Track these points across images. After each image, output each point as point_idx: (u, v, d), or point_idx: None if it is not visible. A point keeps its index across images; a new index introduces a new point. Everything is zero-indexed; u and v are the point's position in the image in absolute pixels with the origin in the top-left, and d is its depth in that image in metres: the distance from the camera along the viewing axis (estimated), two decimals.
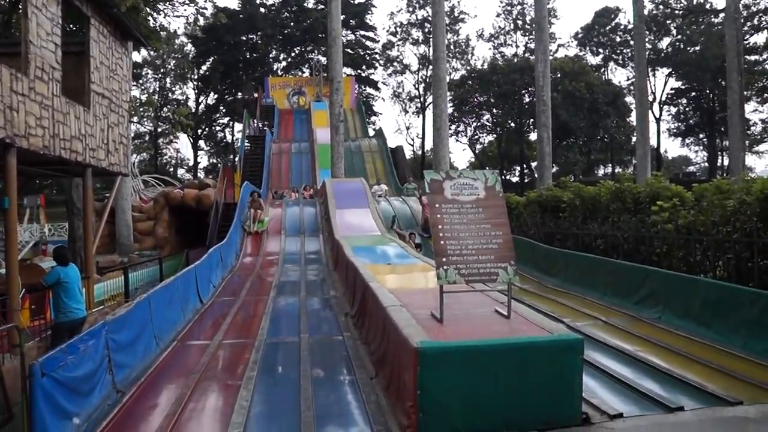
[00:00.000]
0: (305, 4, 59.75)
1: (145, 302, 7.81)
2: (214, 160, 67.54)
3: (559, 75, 48.07)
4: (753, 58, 42.69)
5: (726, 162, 50.27)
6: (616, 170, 57.31)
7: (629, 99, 51.26)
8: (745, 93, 30.44)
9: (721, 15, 30.21)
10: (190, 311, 9.92)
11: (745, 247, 8.74)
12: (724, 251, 9.35)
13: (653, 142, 47.53)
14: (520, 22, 60.28)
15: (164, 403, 5.91)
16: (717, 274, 9.43)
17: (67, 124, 10.83)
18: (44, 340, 9.22)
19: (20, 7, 11.07)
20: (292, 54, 62.95)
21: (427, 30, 56.81)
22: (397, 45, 63.09)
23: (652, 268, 9.75)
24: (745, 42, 36.82)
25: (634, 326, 8.58)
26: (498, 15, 76.46)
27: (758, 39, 42.37)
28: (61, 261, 8.79)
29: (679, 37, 53.54)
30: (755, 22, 37.81)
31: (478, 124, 58.41)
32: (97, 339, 5.96)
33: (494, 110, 55.81)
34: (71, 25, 17.46)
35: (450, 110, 51.08)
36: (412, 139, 67.71)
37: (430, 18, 36.54)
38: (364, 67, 62.50)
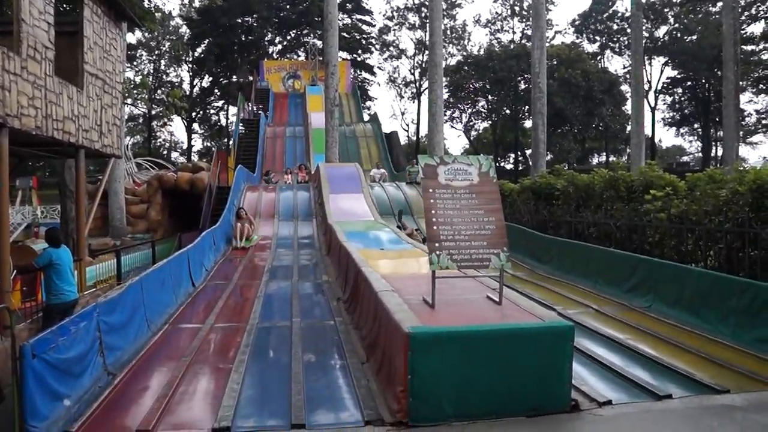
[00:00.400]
0: None
1: (137, 285, 7.79)
2: (208, 144, 67.29)
3: (555, 62, 48.00)
4: (749, 48, 42.71)
5: (720, 152, 50.38)
6: (611, 159, 57.37)
7: (625, 87, 51.32)
8: (741, 83, 30.47)
9: (719, 4, 30.17)
10: (182, 294, 9.91)
11: (737, 237, 8.78)
12: (716, 241, 9.40)
13: (648, 131, 47.56)
14: (517, 8, 60.12)
15: (155, 385, 5.92)
16: (708, 264, 9.48)
17: (60, 104, 10.75)
18: (35, 322, 9.20)
19: None
20: (288, 37, 62.57)
21: (423, 15, 56.57)
22: (394, 30, 62.91)
23: (643, 257, 9.79)
24: (742, 32, 36.78)
25: (624, 314, 8.62)
26: (495, 1, 76.53)
27: (755, 29, 42.46)
28: (53, 243, 8.75)
29: (677, 25, 53.44)
30: (753, 11, 37.78)
31: (474, 110, 58.36)
32: (88, 321, 5.95)
33: (490, 97, 55.71)
34: (65, 5, 17.32)
35: (445, 96, 50.93)
36: (407, 125, 67.86)
37: (426, 3, 36.34)
38: (359, 51, 62.24)
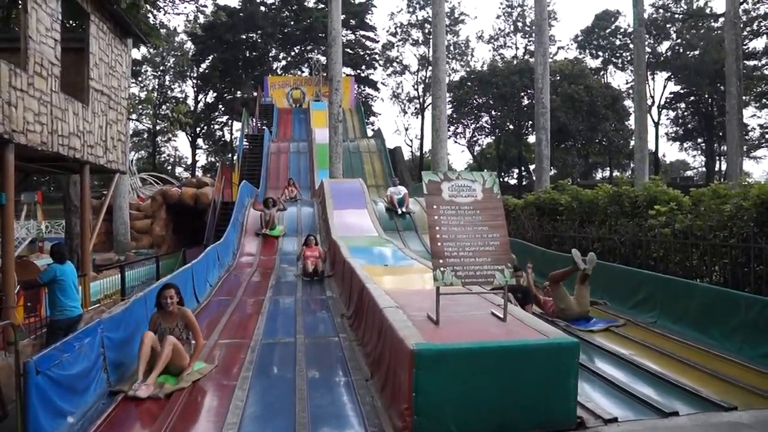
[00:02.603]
0: (305, 3, 59.67)
1: (141, 301, 7.79)
2: (213, 159, 67.53)
3: (558, 77, 48.11)
4: (752, 63, 42.81)
5: (723, 167, 50.34)
6: (614, 174, 57.40)
7: (628, 102, 51.31)
8: (744, 98, 30.49)
9: (721, 19, 30.25)
10: None
11: (742, 252, 8.76)
12: (721, 256, 9.37)
13: (651, 146, 47.60)
14: (520, 24, 60.45)
15: (159, 402, 5.89)
16: (713, 279, 9.45)
17: (66, 120, 10.82)
18: (39, 338, 9.20)
19: (20, 2, 11.06)
20: (292, 53, 62.92)
21: (427, 31, 56.87)
22: (397, 45, 63.21)
23: (648, 272, 9.76)
24: (744, 47, 36.89)
25: (630, 330, 8.58)
26: (498, 17, 77.02)
27: (757, 44, 42.53)
28: (57, 258, 8.77)
29: (679, 41, 53.66)
30: (755, 27, 37.93)
31: (477, 125, 58.41)
32: (92, 337, 5.95)
33: (493, 112, 55.79)
34: (71, 22, 17.44)
35: (449, 111, 51.08)
36: (411, 140, 67.81)
37: (430, 19, 36.53)
38: (363, 67, 62.49)
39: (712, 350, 7.31)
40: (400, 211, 18.64)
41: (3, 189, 9.14)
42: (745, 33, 36.29)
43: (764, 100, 43.17)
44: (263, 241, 17.09)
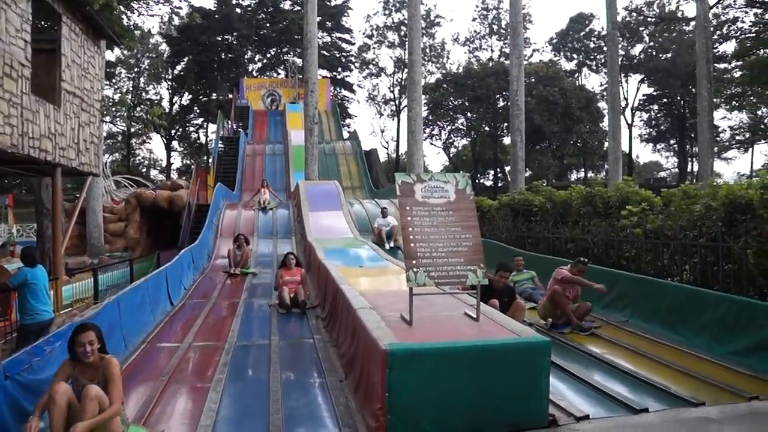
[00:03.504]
0: (281, 6, 59.45)
1: (114, 304, 7.73)
2: (188, 161, 67.01)
3: (533, 80, 48.52)
4: (722, 66, 43.52)
5: (696, 168, 51.12)
6: (589, 175, 58.03)
7: (602, 104, 51.92)
8: (715, 100, 30.98)
9: (692, 23, 30.71)
10: (160, 313, 9.83)
11: (711, 251, 8.91)
12: (691, 255, 9.53)
13: (625, 147, 48.28)
14: (495, 27, 60.81)
15: (132, 405, 5.84)
16: (684, 278, 9.60)
17: (37, 122, 10.69)
18: (9, 343, 9.08)
19: None
20: (268, 55, 62.67)
21: (402, 33, 57.00)
22: (373, 48, 63.30)
23: (620, 272, 9.89)
24: (715, 50, 37.47)
25: (602, 329, 8.68)
26: (474, 19, 77.18)
27: (727, 48, 43.21)
28: (28, 262, 8.66)
29: (652, 44, 54.48)
30: (724, 30, 38.51)
31: (453, 127, 58.72)
32: (63, 341, 5.88)
33: (469, 114, 56.11)
34: (42, 22, 17.24)
35: (425, 114, 51.32)
36: (387, 142, 68.06)
37: (406, 21, 36.63)
38: (339, 69, 62.45)
39: (682, 348, 7.44)
40: (387, 246, 16.18)
41: None
42: (716, 37, 36.83)
43: (734, 103, 43.88)
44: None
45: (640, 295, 8.98)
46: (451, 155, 64.02)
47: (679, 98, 53.82)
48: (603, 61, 53.96)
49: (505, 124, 49.86)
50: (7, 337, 9.32)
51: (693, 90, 36.69)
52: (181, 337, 8.61)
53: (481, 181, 62.27)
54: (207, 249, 16.05)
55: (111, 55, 46.57)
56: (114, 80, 56.98)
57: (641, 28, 53.86)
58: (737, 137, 51.11)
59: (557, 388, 5.87)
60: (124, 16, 21.13)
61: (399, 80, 61.64)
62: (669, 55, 51.94)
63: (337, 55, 62.07)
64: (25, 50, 10.23)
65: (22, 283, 8.40)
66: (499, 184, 56.89)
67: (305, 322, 9.49)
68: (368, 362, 5.42)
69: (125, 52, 50.46)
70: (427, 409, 4.87)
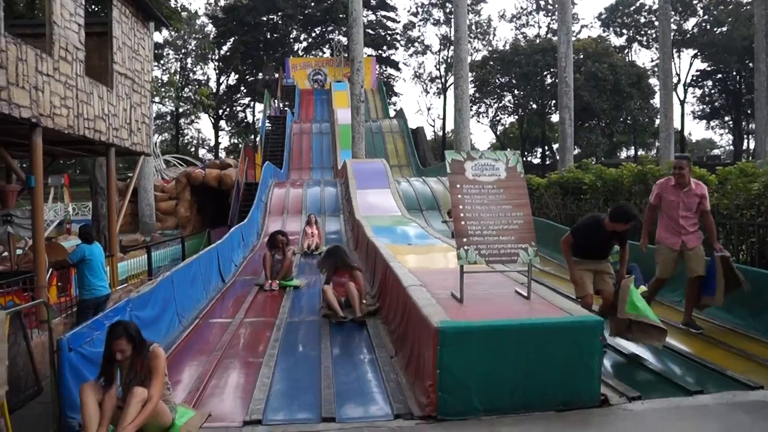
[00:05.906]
0: None
1: (168, 280, 7.92)
2: (236, 141, 67.86)
3: (581, 56, 47.50)
4: None
5: (752, 145, 49.51)
6: (639, 153, 56.72)
7: (653, 81, 50.57)
8: None
9: None
10: (212, 290, 10.04)
11: None
12: (748, 235, 9.26)
13: (677, 124, 46.94)
14: (542, 2, 59.77)
15: (187, 379, 6.00)
16: (740, 258, 9.35)
17: (91, 104, 10.94)
18: (70, 317, 9.41)
19: None
20: (313, 34, 62.81)
21: (448, 10, 56.39)
22: (419, 25, 62.97)
23: None
24: None
25: (655, 309, 8.53)
26: None
27: None
28: (85, 239, 8.93)
29: (706, 17, 52.69)
30: None
31: (500, 105, 58.09)
32: (121, 316, 6.07)
33: (516, 91, 55.39)
34: (94, 6, 17.58)
35: (471, 91, 50.73)
36: (433, 120, 67.73)
37: None
38: (384, 47, 62.25)
39: (738, 329, 7.25)
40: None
41: (32, 172, 9.31)
42: None
43: None
44: (286, 221, 17.15)
45: None
46: (498, 133, 63.41)
47: (734, 73, 52.13)
48: (654, 36, 52.48)
49: (553, 102, 49.10)
50: (68, 311, 9.65)
51: (750, 65, 35.46)
52: (233, 313, 8.78)
53: (529, 158, 61.50)
54: (256, 227, 16.28)
55: (159, 37, 47.24)
56: (162, 61, 57.83)
57: (695, 1, 52.14)
58: None
59: (608, 368, 5.81)
60: None
61: (445, 58, 61.16)
62: (724, 29, 50.13)
63: (382, 33, 61.84)
64: (79, 34, 10.45)
65: (80, 260, 8.68)
66: (547, 162, 56.13)
67: None
68: (419, 339, 5.45)
69: (173, 33, 51.14)
70: (477, 386, 4.87)
